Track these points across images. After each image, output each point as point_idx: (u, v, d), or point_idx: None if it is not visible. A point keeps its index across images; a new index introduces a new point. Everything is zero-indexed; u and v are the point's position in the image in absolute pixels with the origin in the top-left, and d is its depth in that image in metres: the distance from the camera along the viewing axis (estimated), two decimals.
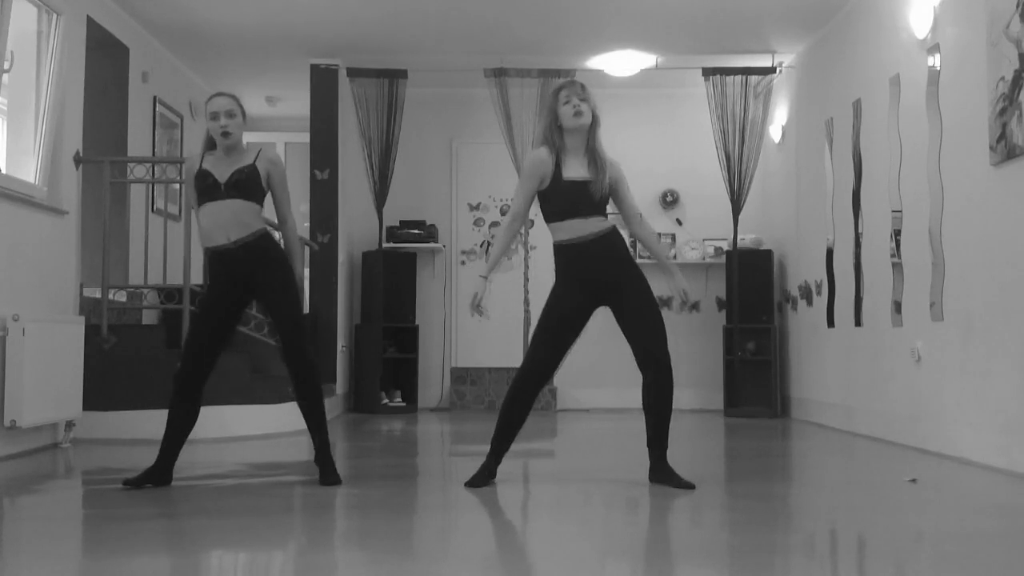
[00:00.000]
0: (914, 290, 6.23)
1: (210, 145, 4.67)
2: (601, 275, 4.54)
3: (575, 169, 4.55)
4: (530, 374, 4.57)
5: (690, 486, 4.43)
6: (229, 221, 4.54)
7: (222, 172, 4.58)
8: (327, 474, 4.62)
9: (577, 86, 4.60)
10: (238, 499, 4.38)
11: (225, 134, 4.57)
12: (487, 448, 4.70)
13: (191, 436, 5.87)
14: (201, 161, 4.64)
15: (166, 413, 4.61)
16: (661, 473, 4.54)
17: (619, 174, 4.66)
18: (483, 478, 4.56)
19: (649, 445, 4.59)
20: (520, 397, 4.59)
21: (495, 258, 4.73)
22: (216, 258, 4.58)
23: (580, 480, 4.66)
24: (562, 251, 4.59)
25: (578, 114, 4.53)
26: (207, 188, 4.57)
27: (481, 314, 4.85)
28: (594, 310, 4.60)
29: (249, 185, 4.59)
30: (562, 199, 4.53)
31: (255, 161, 4.63)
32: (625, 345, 4.60)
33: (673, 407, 4.59)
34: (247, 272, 4.56)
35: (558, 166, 4.54)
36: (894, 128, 6.58)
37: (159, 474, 4.57)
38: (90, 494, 4.74)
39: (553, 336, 4.56)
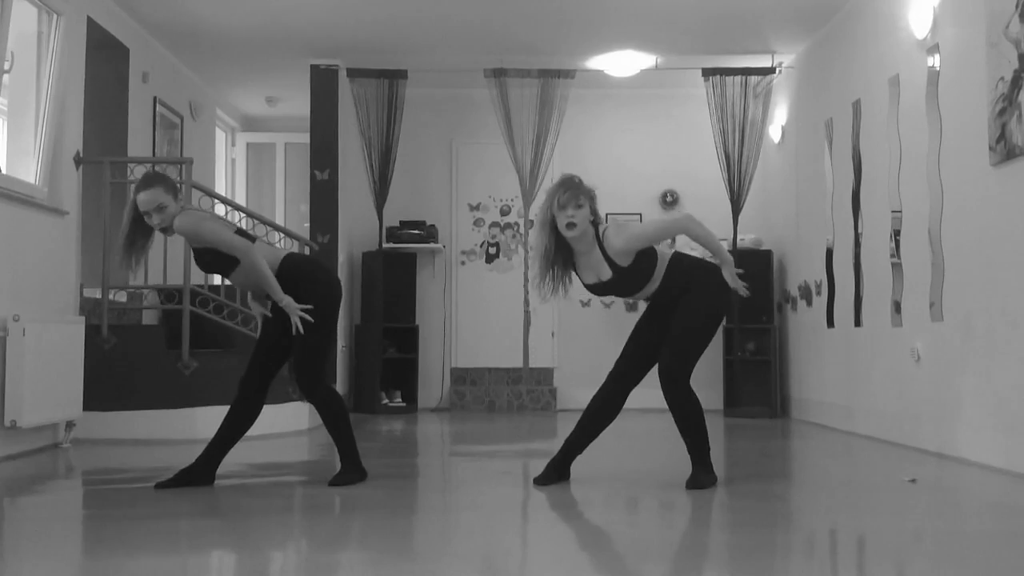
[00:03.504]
0: (914, 290, 6.23)
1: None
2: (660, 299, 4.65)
3: (591, 272, 4.51)
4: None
5: (693, 487, 4.49)
6: (249, 289, 4.78)
7: None
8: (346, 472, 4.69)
9: (572, 190, 4.36)
10: (238, 499, 4.38)
11: (163, 230, 4.51)
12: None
13: (191, 436, 5.87)
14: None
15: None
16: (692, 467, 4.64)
17: (629, 239, 4.49)
18: (542, 477, 4.64)
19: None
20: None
21: None
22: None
23: (580, 480, 4.66)
24: None
25: (570, 226, 4.36)
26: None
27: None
28: (663, 316, 4.64)
29: (206, 262, 4.60)
30: (601, 294, 4.63)
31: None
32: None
33: (689, 415, 4.60)
34: (277, 307, 4.62)
35: (574, 272, 4.54)
36: (894, 128, 6.58)
37: (199, 473, 4.57)
38: (90, 494, 4.75)
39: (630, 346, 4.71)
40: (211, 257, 4.53)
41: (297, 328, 4.45)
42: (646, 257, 4.47)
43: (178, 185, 4.66)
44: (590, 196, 4.41)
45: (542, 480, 4.62)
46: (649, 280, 4.51)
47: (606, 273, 4.46)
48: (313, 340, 4.54)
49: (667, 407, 4.60)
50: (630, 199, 9.87)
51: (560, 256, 4.47)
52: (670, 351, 4.53)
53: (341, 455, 4.72)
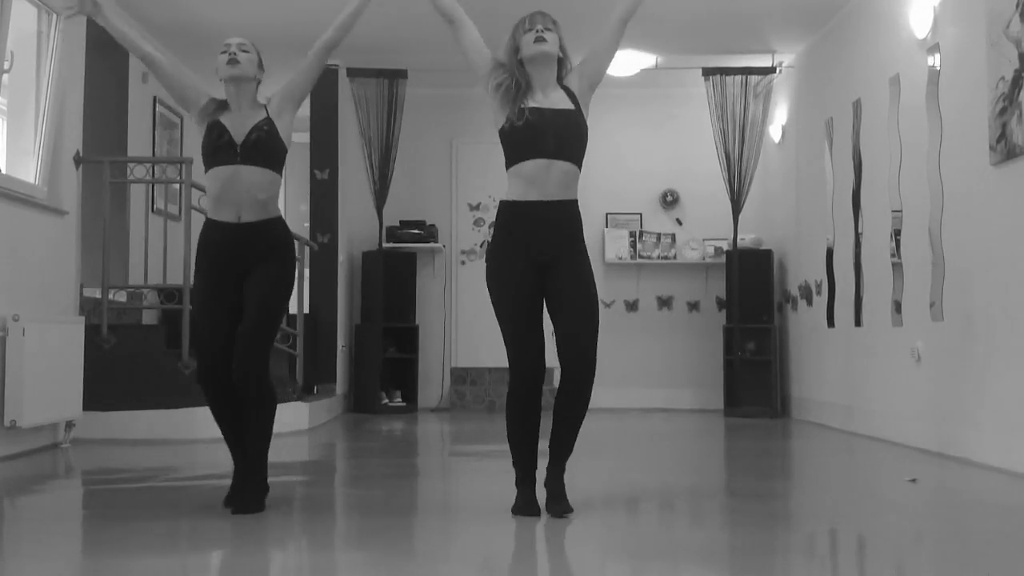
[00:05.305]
0: (914, 290, 6.23)
1: (222, 104, 4.06)
2: (542, 243, 3.89)
3: (543, 101, 3.95)
4: (516, 375, 3.90)
5: (568, 510, 3.82)
6: (243, 198, 3.90)
7: (238, 128, 3.96)
8: (250, 496, 3.93)
9: (546, 17, 3.97)
10: None
11: (232, 61, 4.02)
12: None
13: (191, 436, 5.86)
14: (215, 112, 4.01)
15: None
16: (551, 486, 3.87)
17: (586, 56, 4.04)
18: (529, 506, 3.85)
19: (550, 451, 3.94)
20: (515, 405, 3.91)
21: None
22: (217, 230, 3.94)
23: (579, 480, 4.65)
24: (508, 208, 3.98)
25: (540, 40, 3.90)
26: (220, 147, 3.91)
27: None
28: (539, 285, 3.92)
29: (270, 146, 3.97)
30: (524, 130, 3.91)
31: (268, 112, 4.08)
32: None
33: (583, 416, 3.97)
34: (244, 254, 3.92)
35: (521, 93, 3.94)
36: (894, 128, 6.58)
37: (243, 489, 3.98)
38: (90, 494, 4.74)
39: (519, 319, 3.93)
40: (276, 149, 4.02)
41: None
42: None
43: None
44: (560, 30, 4.03)
45: (521, 511, 3.87)
46: (579, 160, 4.07)
47: (564, 104, 4.00)
48: (279, 307, 4.01)
49: (562, 406, 3.90)
50: (630, 199, 9.87)
51: (522, 79, 4.00)
52: (587, 335, 3.83)
53: (256, 470, 3.98)
